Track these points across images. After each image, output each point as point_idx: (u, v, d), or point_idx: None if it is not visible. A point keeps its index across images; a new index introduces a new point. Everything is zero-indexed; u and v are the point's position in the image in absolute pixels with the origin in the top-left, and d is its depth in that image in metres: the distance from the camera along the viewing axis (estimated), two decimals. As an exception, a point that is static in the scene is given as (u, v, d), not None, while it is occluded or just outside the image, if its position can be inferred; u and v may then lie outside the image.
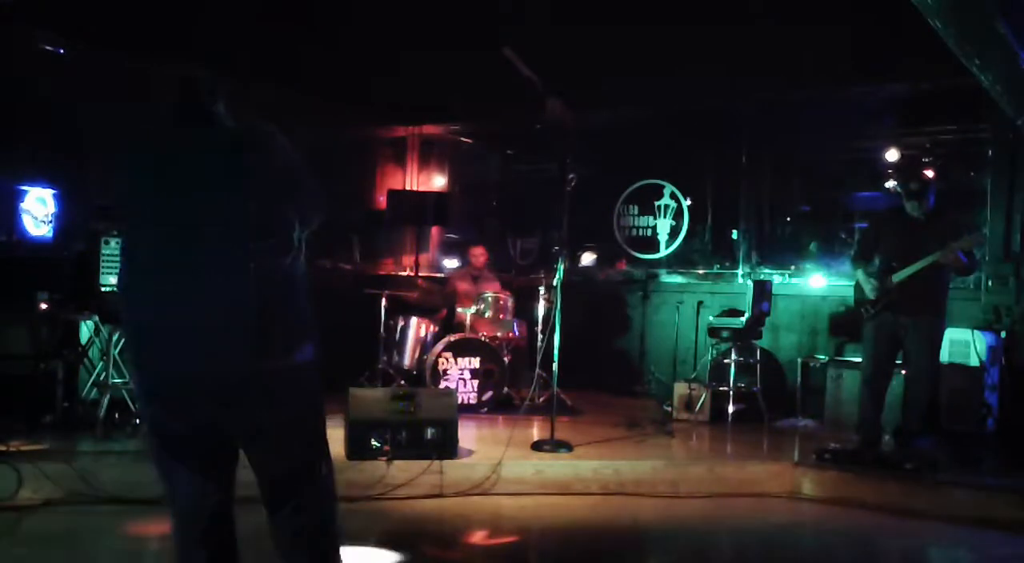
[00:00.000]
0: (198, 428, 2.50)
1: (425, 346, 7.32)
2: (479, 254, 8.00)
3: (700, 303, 7.81)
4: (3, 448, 4.73)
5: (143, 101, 6.70)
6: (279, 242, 2.48)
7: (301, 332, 2.52)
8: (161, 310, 2.43)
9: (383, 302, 7.25)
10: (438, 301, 7.97)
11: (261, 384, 2.42)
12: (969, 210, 7.00)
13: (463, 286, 7.87)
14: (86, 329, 5.88)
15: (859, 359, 6.10)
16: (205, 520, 2.57)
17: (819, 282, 7.70)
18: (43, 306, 5.59)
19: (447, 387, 6.67)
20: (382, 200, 9.13)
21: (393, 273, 9.30)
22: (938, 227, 5.45)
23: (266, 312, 2.41)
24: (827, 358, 7.01)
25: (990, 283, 6.68)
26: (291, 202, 2.53)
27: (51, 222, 6.09)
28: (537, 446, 5.50)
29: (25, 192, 5.97)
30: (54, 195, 6.12)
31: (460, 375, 6.92)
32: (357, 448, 4.96)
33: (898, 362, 5.69)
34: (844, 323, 7.10)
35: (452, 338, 7.04)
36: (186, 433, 2.51)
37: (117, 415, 5.70)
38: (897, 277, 5.46)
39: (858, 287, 5.75)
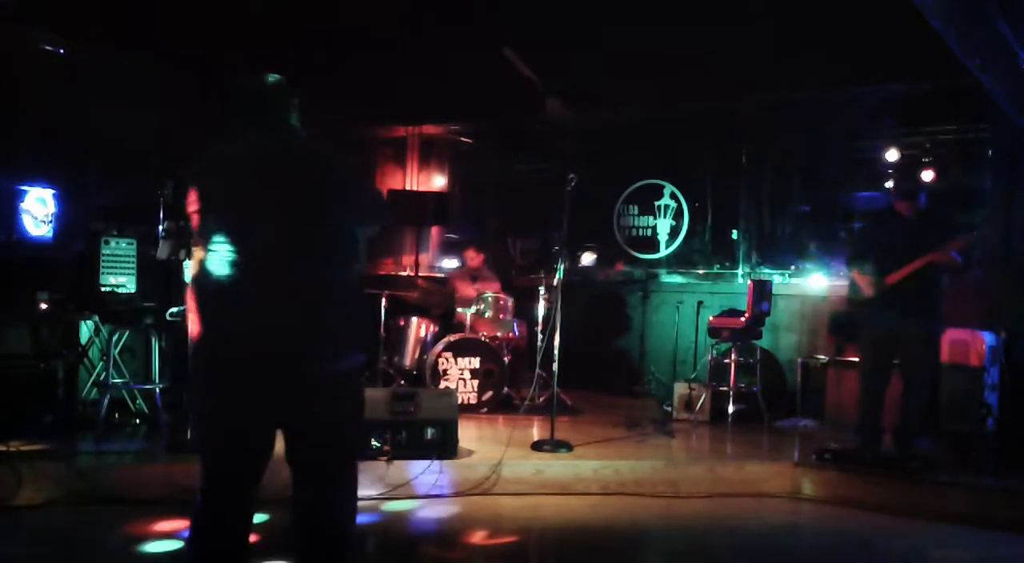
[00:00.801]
0: (257, 419, 2.62)
1: (425, 346, 7.32)
2: (472, 256, 8.02)
3: (700, 303, 7.80)
4: (3, 448, 4.73)
5: (144, 101, 6.71)
6: (354, 254, 2.69)
7: (360, 337, 2.74)
8: (247, 306, 2.57)
9: (383, 302, 7.25)
10: (438, 301, 7.97)
11: (325, 382, 2.61)
12: (969, 210, 7.00)
13: (462, 286, 7.87)
14: (86, 329, 5.88)
15: (859, 359, 6.09)
16: (232, 506, 2.66)
17: (819, 282, 7.71)
18: (43, 306, 5.59)
19: (447, 387, 6.67)
20: (382, 200, 9.12)
21: (393, 273, 9.31)
22: (930, 226, 5.45)
23: (340, 318, 2.63)
24: (827, 358, 7.01)
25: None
26: (361, 216, 2.75)
27: (51, 222, 6.09)
28: (537, 446, 5.50)
29: (25, 192, 5.97)
30: (54, 195, 6.12)
31: (460, 375, 6.92)
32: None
33: (896, 362, 5.69)
34: (844, 323, 7.10)
35: (452, 338, 7.04)
36: (244, 421, 2.62)
37: (117, 415, 5.71)
38: (893, 278, 5.45)
39: (854, 288, 5.75)
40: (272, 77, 2.81)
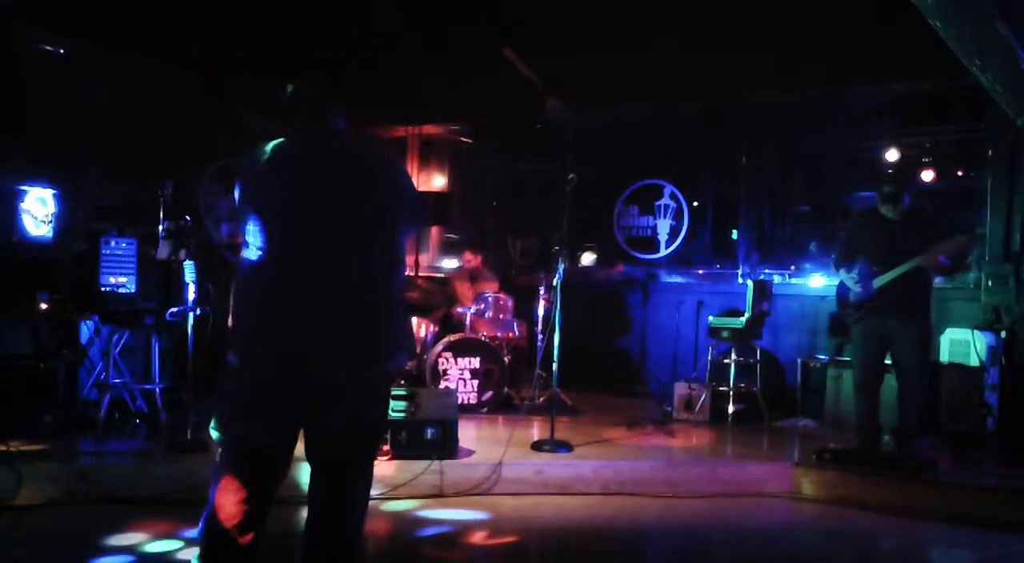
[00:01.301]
0: (292, 421, 2.63)
1: (425, 346, 7.32)
2: (469, 258, 8.02)
3: (700, 303, 7.80)
4: (3, 448, 4.74)
5: (144, 101, 6.71)
6: (397, 258, 2.68)
7: (403, 340, 2.74)
8: (295, 307, 2.55)
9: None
10: (438, 301, 7.97)
11: (367, 386, 2.63)
12: (969, 210, 7.01)
13: (462, 286, 7.87)
14: (86, 329, 5.88)
15: (851, 360, 6.09)
16: (257, 485, 2.65)
17: (819, 282, 7.70)
18: (43, 306, 5.59)
19: (447, 387, 6.67)
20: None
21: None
22: (916, 226, 5.45)
23: (382, 326, 2.62)
24: (827, 358, 7.01)
25: (990, 283, 6.68)
26: (406, 220, 2.72)
27: (51, 222, 6.09)
28: (537, 446, 5.50)
29: (25, 192, 5.97)
30: (54, 195, 6.12)
31: (460, 375, 6.92)
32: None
33: (889, 362, 5.68)
34: (844, 323, 7.09)
35: (452, 338, 7.04)
36: (281, 425, 2.62)
37: (117, 415, 5.71)
38: (880, 281, 5.45)
39: (841, 292, 5.76)
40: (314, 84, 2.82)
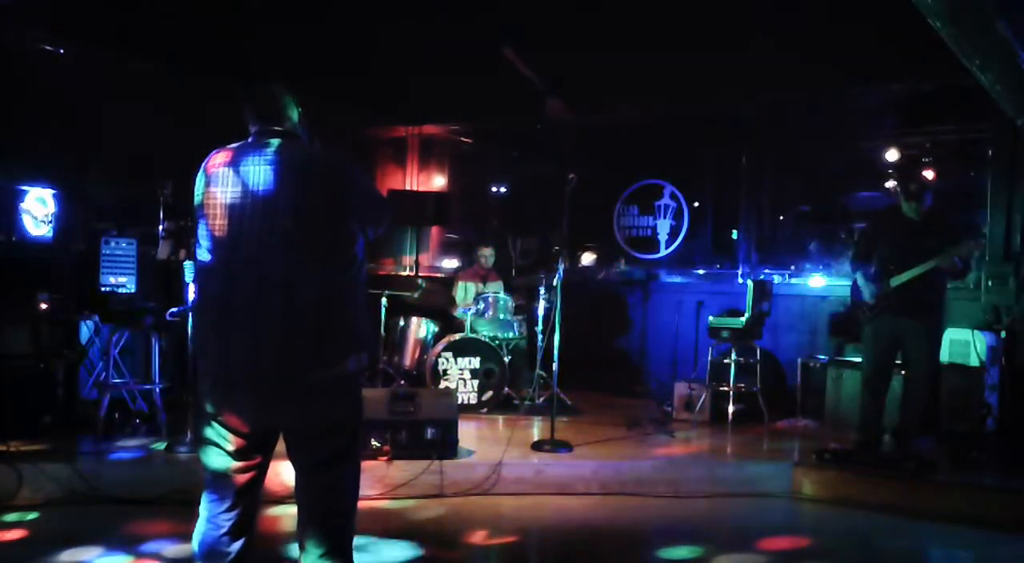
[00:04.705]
0: (251, 426, 2.64)
1: (425, 346, 7.32)
2: (488, 254, 7.98)
3: (700, 303, 7.80)
4: (3, 448, 4.74)
5: (144, 101, 6.71)
6: (345, 259, 2.65)
7: (358, 341, 2.69)
8: (232, 317, 2.57)
9: (383, 302, 7.25)
10: (440, 301, 7.97)
11: (318, 390, 2.60)
12: (969, 210, 7.01)
13: (467, 287, 7.84)
14: (86, 329, 5.88)
15: (859, 359, 6.10)
16: (236, 488, 2.69)
17: (819, 282, 7.71)
18: (43, 306, 5.59)
19: (447, 387, 6.67)
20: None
21: (393, 273, 9.31)
22: (935, 228, 5.46)
23: (329, 326, 2.59)
24: (827, 358, 7.01)
25: (990, 283, 6.68)
26: (359, 220, 2.70)
27: (51, 222, 6.09)
28: (537, 446, 5.50)
29: (25, 192, 5.97)
30: (54, 195, 6.12)
31: (460, 375, 6.92)
32: (357, 448, 4.95)
33: (897, 362, 5.69)
34: (844, 323, 7.10)
35: (452, 338, 7.04)
36: (239, 427, 2.64)
37: (117, 415, 5.71)
38: (896, 281, 5.46)
39: (856, 289, 5.75)
40: (277, 84, 2.81)
